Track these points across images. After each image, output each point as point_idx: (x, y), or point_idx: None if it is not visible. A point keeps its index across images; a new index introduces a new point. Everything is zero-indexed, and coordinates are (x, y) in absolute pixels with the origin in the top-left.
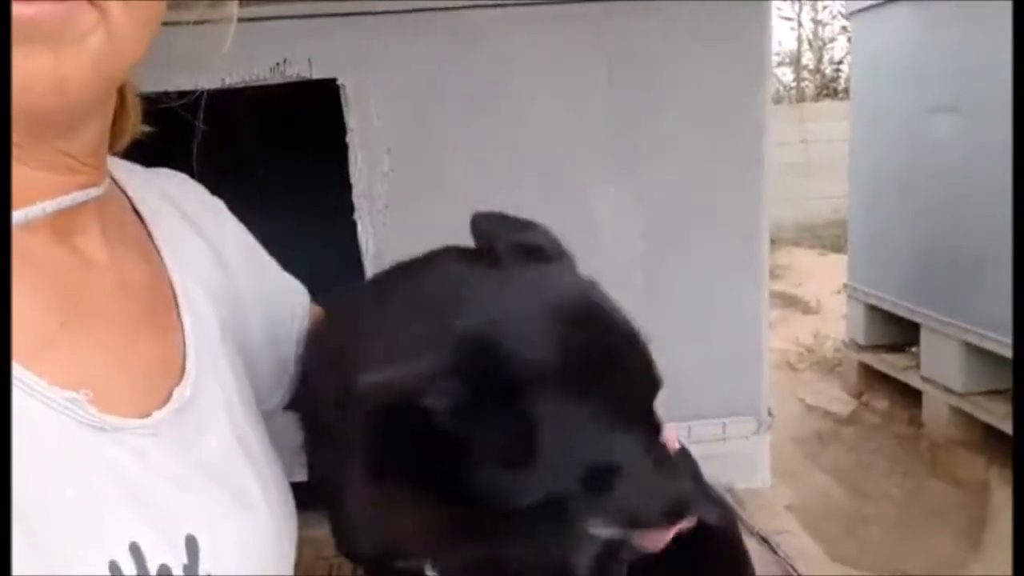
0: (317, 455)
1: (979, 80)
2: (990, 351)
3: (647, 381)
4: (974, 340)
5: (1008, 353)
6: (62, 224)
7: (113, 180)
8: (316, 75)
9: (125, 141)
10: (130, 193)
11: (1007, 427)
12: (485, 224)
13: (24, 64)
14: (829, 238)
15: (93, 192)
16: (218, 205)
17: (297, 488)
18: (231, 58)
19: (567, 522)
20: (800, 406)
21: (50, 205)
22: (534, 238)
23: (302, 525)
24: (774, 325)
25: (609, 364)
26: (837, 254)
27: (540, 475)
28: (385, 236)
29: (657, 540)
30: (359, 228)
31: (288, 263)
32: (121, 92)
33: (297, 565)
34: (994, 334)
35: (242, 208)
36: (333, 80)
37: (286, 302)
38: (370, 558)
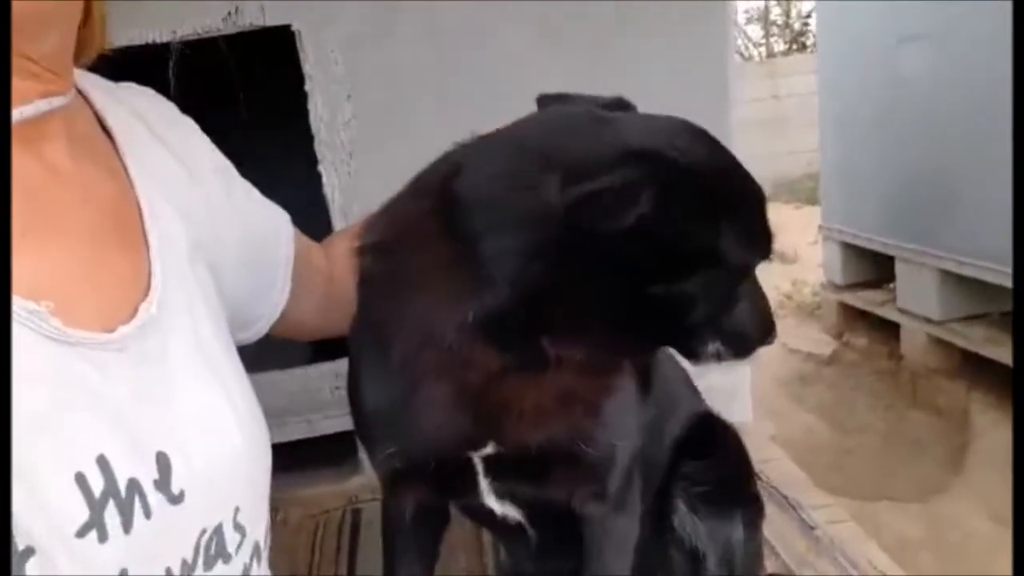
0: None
1: (949, 6)
2: (965, 277)
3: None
4: (950, 267)
5: (985, 277)
6: (28, 132)
7: (80, 93)
8: (269, 22)
9: (91, 54)
10: (97, 106)
11: (985, 352)
12: (555, 99)
13: None
14: (805, 191)
15: (57, 101)
16: (190, 123)
17: (282, 448)
18: (181, 9)
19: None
20: (782, 351)
21: (14, 114)
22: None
23: (289, 485)
24: None
25: (740, 177)
26: (813, 207)
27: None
28: (351, 185)
29: None
30: (323, 179)
31: None
32: (87, 4)
33: (285, 523)
34: (969, 259)
35: None
36: (287, 27)
37: (267, 224)
38: (439, 452)
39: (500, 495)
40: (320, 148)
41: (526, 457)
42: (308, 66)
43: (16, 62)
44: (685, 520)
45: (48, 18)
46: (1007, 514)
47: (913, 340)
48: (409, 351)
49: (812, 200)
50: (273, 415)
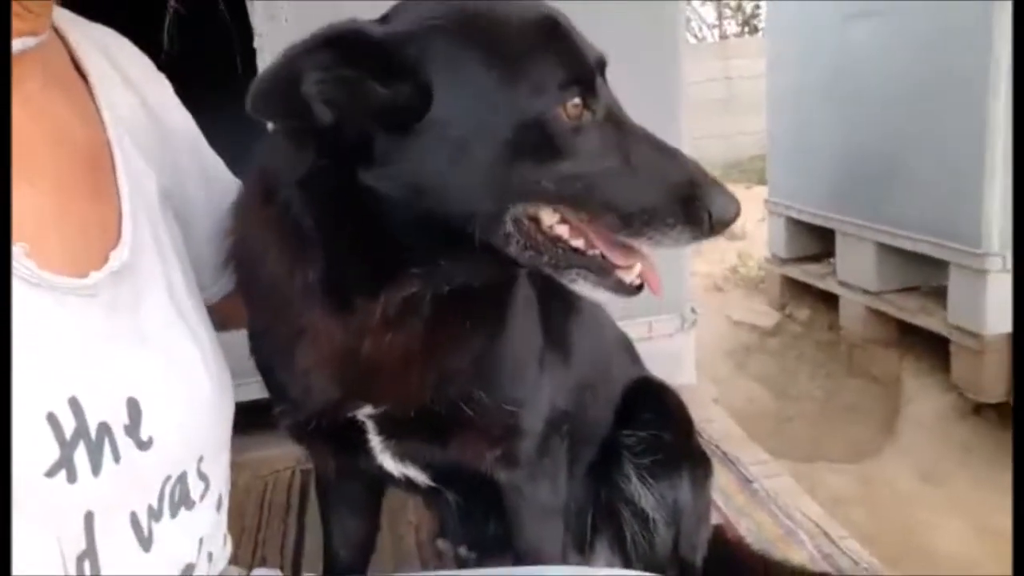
0: (261, 309)
1: None
2: (902, 249)
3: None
4: (886, 240)
5: (921, 249)
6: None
7: (55, 30)
8: None
9: None
10: (71, 43)
11: (918, 321)
12: None
13: None
14: (755, 172)
15: (31, 41)
16: (163, 79)
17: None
18: None
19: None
20: (728, 323)
21: None
22: None
23: (238, 449)
24: (702, 252)
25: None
26: (762, 186)
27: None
28: None
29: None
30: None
31: None
32: None
33: (234, 485)
34: (905, 232)
35: None
36: None
37: (230, 192)
38: (321, 413)
39: (398, 455)
40: None
41: (410, 417)
42: (257, 21)
43: None
44: (636, 489)
45: None
46: (933, 474)
47: (852, 311)
48: (268, 320)
49: (762, 180)
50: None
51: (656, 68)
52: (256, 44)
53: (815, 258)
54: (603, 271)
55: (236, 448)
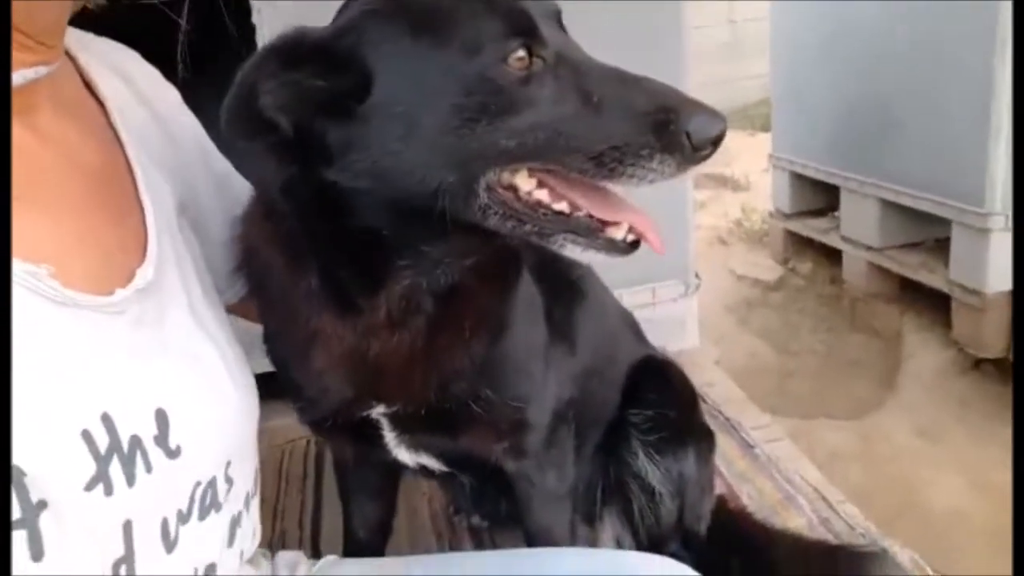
0: (273, 316)
1: None
2: (905, 206)
3: None
4: (889, 196)
5: (919, 206)
6: (17, 100)
7: (66, 54)
8: None
9: (78, 6)
10: (81, 64)
11: (919, 278)
12: None
13: None
14: (760, 118)
15: (43, 70)
16: (171, 88)
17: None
18: None
19: None
20: (731, 277)
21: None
22: None
23: None
24: (705, 204)
25: None
26: (766, 133)
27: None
28: None
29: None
30: None
31: None
32: None
33: None
34: (908, 189)
35: None
36: None
37: (242, 198)
38: (336, 412)
39: (412, 447)
40: None
41: (421, 415)
42: (257, 16)
43: (12, 35)
44: (643, 465)
45: None
46: (932, 429)
47: (854, 266)
48: (280, 325)
49: (767, 127)
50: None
51: (657, 12)
52: (255, 20)
53: (819, 212)
54: (591, 232)
55: None
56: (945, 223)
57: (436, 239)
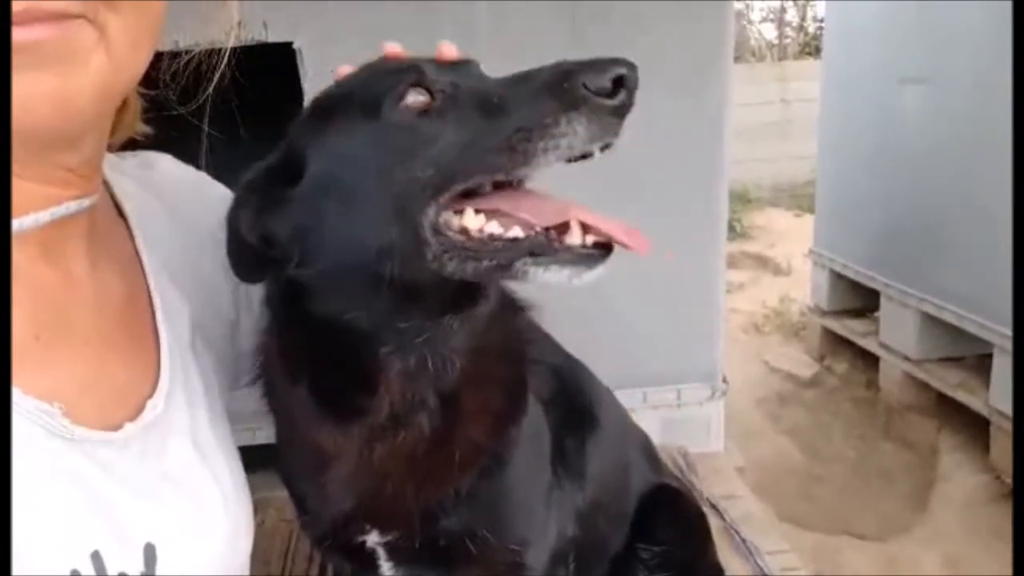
0: (282, 427)
1: (949, 52)
2: (945, 321)
3: None
4: (931, 310)
5: (962, 324)
6: (50, 235)
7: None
8: (272, 39)
9: (121, 138)
10: (115, 189)
11: (958, 396)
12: None
13: (29, 87)
14: (806, 198)
15: (86, 203)
16: (200, 181)
17: (255, 450)
18: (184, 20)
19: None
20: (764, 368)
21: (43, 216)
22: None
23: (266, 486)
24: (744, 286)
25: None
26: (813, 215)
27: None
28: None
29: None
30: None
31: None
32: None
33: (259, 526)
34: (950, 305)
35: None
36: (289, 44)
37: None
38: (335, 528)
39: None
40: None
41: (416, 549)
42: (307, 83)
43: (51, 171)
44: None
45: (81, 130)
46: (960, 558)
47: (891, 373)
48: (288, 438)
49: (813, 208)
50: (248, 419)
51: (700, 89)
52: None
53: (858, 313)
54: (548, 247)
55: (262, 485)
56: (983, 341)
57: (408, 310)
